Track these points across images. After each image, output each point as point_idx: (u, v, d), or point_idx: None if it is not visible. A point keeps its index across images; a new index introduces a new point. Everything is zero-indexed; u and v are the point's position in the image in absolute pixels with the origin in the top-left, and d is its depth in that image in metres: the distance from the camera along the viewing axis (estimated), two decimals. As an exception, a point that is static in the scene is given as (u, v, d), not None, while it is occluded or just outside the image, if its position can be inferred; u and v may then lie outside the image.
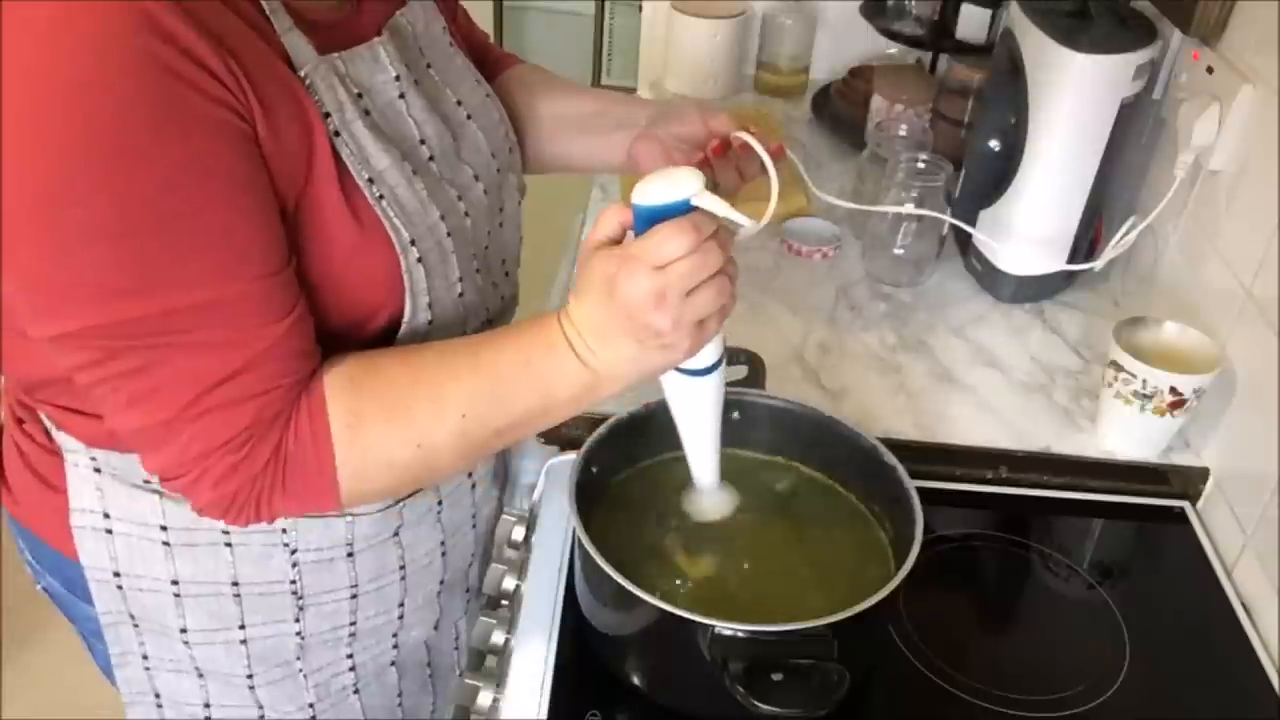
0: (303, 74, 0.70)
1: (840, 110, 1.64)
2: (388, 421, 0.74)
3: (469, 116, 0.86)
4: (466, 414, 0.74)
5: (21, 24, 0.59)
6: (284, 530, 0.83)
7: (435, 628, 0.98)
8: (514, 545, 1.00)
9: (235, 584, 0.85)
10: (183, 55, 0.61)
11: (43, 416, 0.84)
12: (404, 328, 0.77)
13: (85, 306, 0.65)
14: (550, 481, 1.03)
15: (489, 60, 1.03)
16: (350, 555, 0.86)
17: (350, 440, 0.73)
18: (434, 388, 0.74)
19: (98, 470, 0.82)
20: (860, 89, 1.60)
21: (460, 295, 0.81)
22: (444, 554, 0.94)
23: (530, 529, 1.01)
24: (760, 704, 0.71)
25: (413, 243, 0.75)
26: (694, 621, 0.75)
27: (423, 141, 0.79)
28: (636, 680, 0.85)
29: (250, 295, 0.67)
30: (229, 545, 0.83)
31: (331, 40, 0.73)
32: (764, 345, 1.04)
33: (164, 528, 0.82)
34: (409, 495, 0.88)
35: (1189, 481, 1.09)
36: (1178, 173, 1.12)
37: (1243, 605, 0.98)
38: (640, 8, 1.81)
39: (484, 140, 0.87)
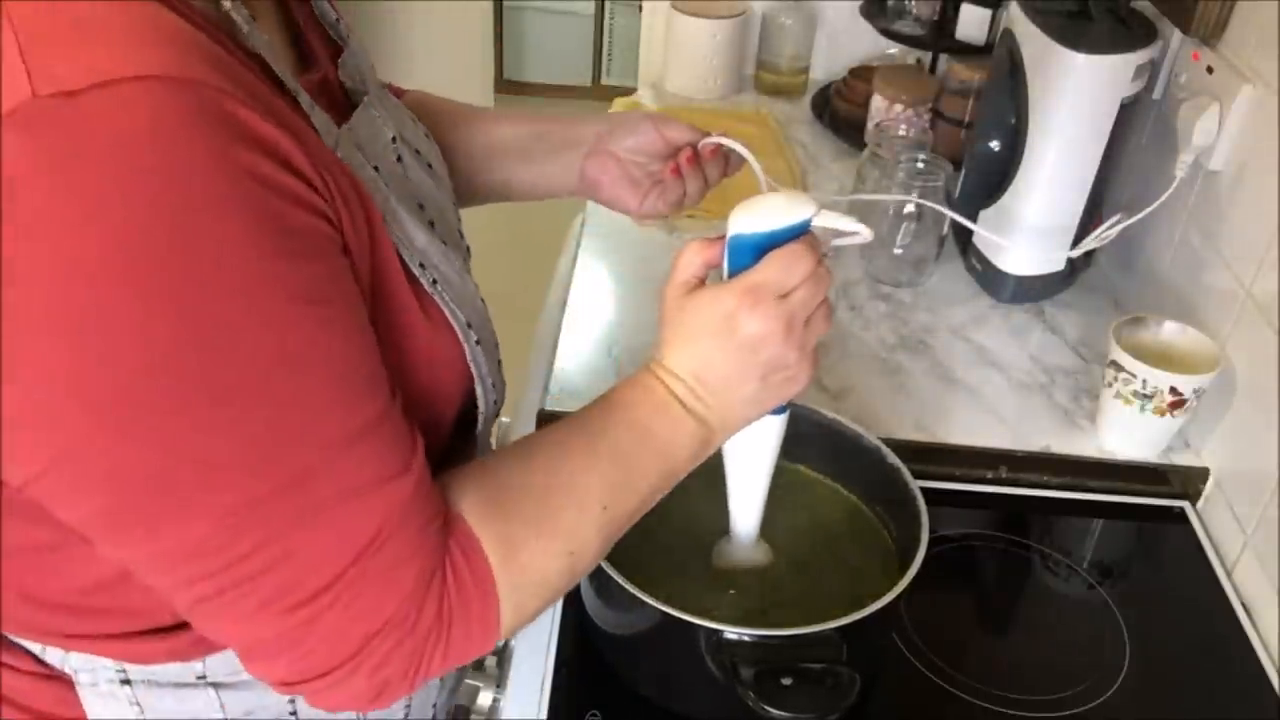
0: (341, 155, 0.61)
1: (840, 110, 1.64)
2: (539, 537, 0.65)
3: (430, 166, 0.78)
4: (608, 505, 0.67)
5: (96, 169, 0.46)
6: None
7: None
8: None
9: None
10: (275, 162, 0.51)
11: (25, 643, 0.69)
12: (480, 421, 0.71)
13: (204, 502, 0.53)
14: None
15: None
16: None
17: (509, 573, 0.64)
18: (570, 488, 0.67)
19: (127, 682, 0.68)
20: (860, 89, 1.60)
21: (499, 362, 0.75)
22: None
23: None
24: (772, 709, 0.71)
25: (469, 325, 0.68)
26: (701, 626, 0.75)
27: (422, 206, 0.71)
28: (638, 684, 0.85)
29: (383, 429, 0.58)
30: None
31: (323, 109, 0.63)
32: (764, 345, 1.04)
33: None
34: None
35: (1189, 481, 1.09)
36: (1178, 173, 1.12)
37: (1243, 605, 0.98)
38: (640, 8, 1.81)
39: (448, 190, 0.81)
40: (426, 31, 3.20)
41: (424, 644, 0.61)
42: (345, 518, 0.56)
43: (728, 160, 0.90)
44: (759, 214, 0.67)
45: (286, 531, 0.55)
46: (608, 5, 3.77)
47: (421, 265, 0.65)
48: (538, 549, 0.65)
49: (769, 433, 0.76)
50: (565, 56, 3.88)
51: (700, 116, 1.64)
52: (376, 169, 0.66)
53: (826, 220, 0.68)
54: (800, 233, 0.67)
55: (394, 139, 0.71)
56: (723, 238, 0.69)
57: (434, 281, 0.66)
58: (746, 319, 0.66)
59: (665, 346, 0.69)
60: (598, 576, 0.79)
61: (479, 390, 0.70)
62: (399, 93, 0.93)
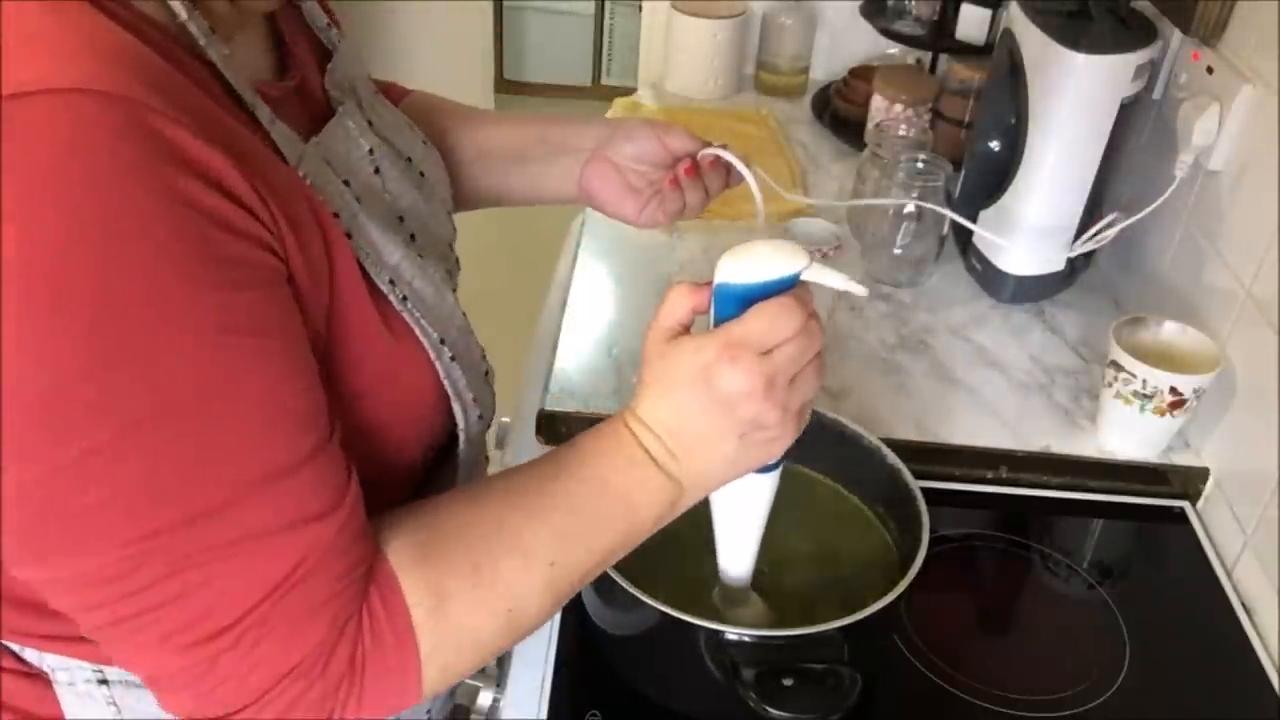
0: (302, 173, 0.59)
1: (840, 110, 1.64)
2: (474, 589, 0.61)
3: (423, 174, 0.76)
4: (555, 561, 0.63)
5: (9, 181, 0.45)
6: None
7: None
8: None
9: None
10: (208, 185, 0.49)
11: (3, 642, 0.67)
12: (461, 440, 0.68)
13: (104, 532, 0.51)
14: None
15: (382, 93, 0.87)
16: None
17: (434, 626, 0.60)
18: (515, 539, 0.62)
19: (104, 682, 0.67)
20: (860, 89, 1.60)
21: (486, 375, 0.72)
22: None
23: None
24: (774, 710, 0.70)
25: (442, 341, 0.66)
26: (703, 627, 0.75)
27: (401, 219, 0.69)
28: (638, 684, 0.85)
29: (309, 470, 0.55)
30: None
31: (292, 120, 0.61)
32: (764, 345, 1.04)
33: None
34: None
35: (1189, 481, 1.09)
36: (1177, 173, 1.12)
37: (1243, 605, 0.98)
38: (640, 8, 1.81)
39: (440, 197, 0.78)
40: (426, 31, 3.20)
41: (335, 692, 0.58)
42: (255, 556, 0.54)
43: (729, 171, 0.87)
44: (746, 263, 0.63)
45: (190, 566, 0.52)
46: (608, 5, 3.77)
47: (392, 282, 0.63)
48: (471, 602, 0.61)
49: (757, 490, 0.72)
50: (565, 56, 3.88)
51: (700, 116, 1.65)
52: (347, 183, 0.64)
53: (817, 275, 0.63)
54: (789, 285, 0.63)
55: (371, 150, 0.68)
56: (710, 283, 0.65)
57: (404, 298, 0.64)
58: (725, 373, 0.61)
59: (642, 394, 0.65)
60: (599, 578, 0.79)
61: (456, 408, 0.68)
62: (401, 94, 0.92)
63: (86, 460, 0.49)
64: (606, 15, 3.80)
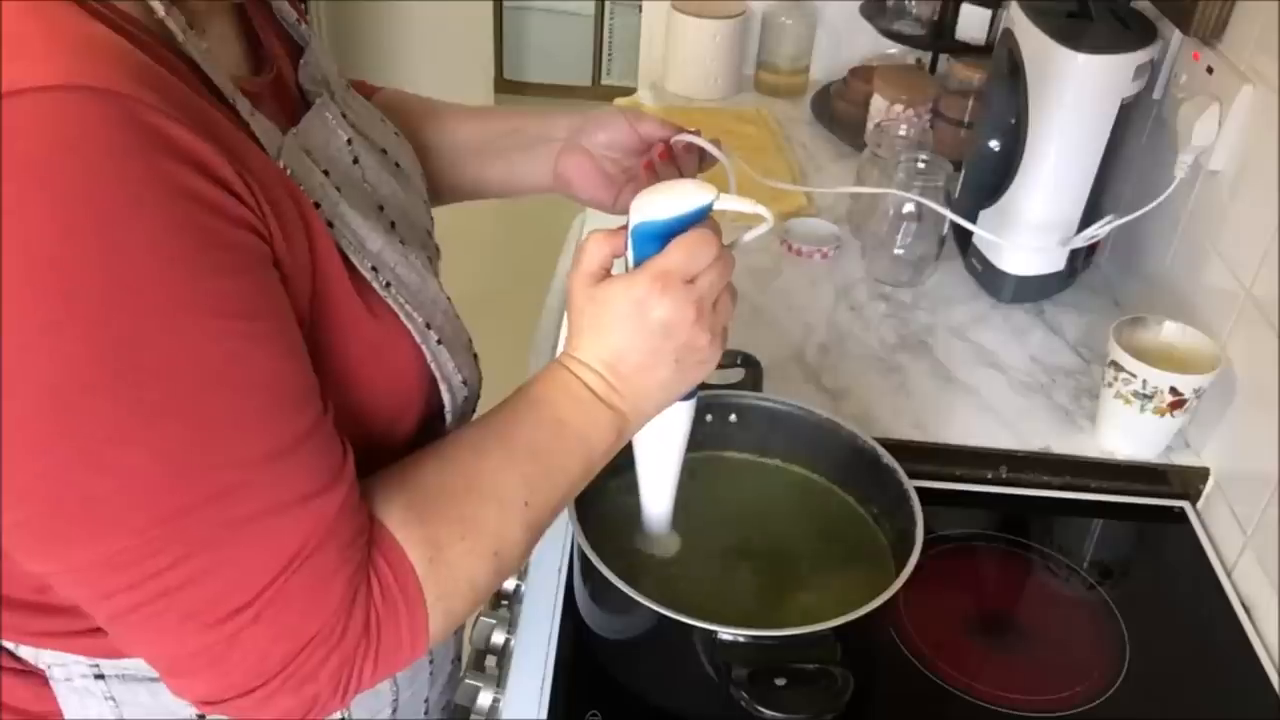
0: (282, 164, 0.60)
1: (840, 110, 1.64)
2: (463, 538, 0.65)
3: (398, 165, 0.78)
4: (529, 502, 0.67)
5: (6, 177, 0.46)
6: None
7: None
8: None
9: None
10: (199, 173, 0.51)
11: None
12: (449, 419, 0.71)
13: (118, 518, 0.52)
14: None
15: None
16: None
17: (435, 577, 0.63)
18: (491, 487, 0.67)
19: (101, 677, 0.68)
20: (860, 89, 1.60)
21: (473, 353, 0.75)
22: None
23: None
24: (765, 710, 0.70)
25: (428, 326, 0.68)
26: (696, 627, 0.75)
27: (381, 208, 0.71)
28: (637, 684, 0.85)
29: (310, 445, 0.57)
30: None
31: (270, 113, 0.63)
32: (764, 346, 1.04)
33: (202, 717, 0.71)
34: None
35: (1189, 481, 1.09)
36: (1178, 173, 1.12)
37: (1243, 605, 0.98)
38: (640, 8, 1.81)
39: (416, 186, 0.80)
40: (426, 31, 3.20)
41: (352, 657, 0.60)
42: (269, 533, 0.56)
43: (702, 156, 0.89)
44: (661, 201, 0.68)
45: (208, 546, 0.54)
46: (608, 5, 3.77)
47: (374, 269, 0.65)
48: (463, 550, 0.64)
49: (678, 419, 0.77)
50: (565, 56, 3.88)
51: (700, 116, 1.65)
52: (327, 173, 0.66)
53: (727, 204, 0.69)
54: (702, 218, 0.68)
55: (349, 140, 0.70)
56: (625, 228, 0.69)
57: (388, 284, 0.66)
58: (658, 304, 0.66)
59: (576, 337, 0.70)
60: (592, 578, 0.79)
61: (444, 390, 0.70)
62: (370, 90, 0.93)
63: (98, 448, 0.50)
64: (606, 15, 3.80)
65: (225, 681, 0.58)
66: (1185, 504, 1.09)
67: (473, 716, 0.90)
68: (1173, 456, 1.10)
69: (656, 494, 0.83)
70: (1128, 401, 1.05)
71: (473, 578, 0.65)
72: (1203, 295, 1.12)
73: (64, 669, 0.68)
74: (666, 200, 0.68)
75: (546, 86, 3.92)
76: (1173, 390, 1.02)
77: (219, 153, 0.52)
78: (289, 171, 0.61)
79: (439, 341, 0.69)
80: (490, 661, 0.95)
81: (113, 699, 0.69)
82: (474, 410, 0.75)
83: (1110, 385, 1.06)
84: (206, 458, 0.53)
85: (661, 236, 0.68)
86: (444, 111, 0.96)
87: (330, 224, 0.62)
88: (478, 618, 0.96)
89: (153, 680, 0.68)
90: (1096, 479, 1.09)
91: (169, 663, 0.58)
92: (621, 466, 0.94)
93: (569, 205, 1.05)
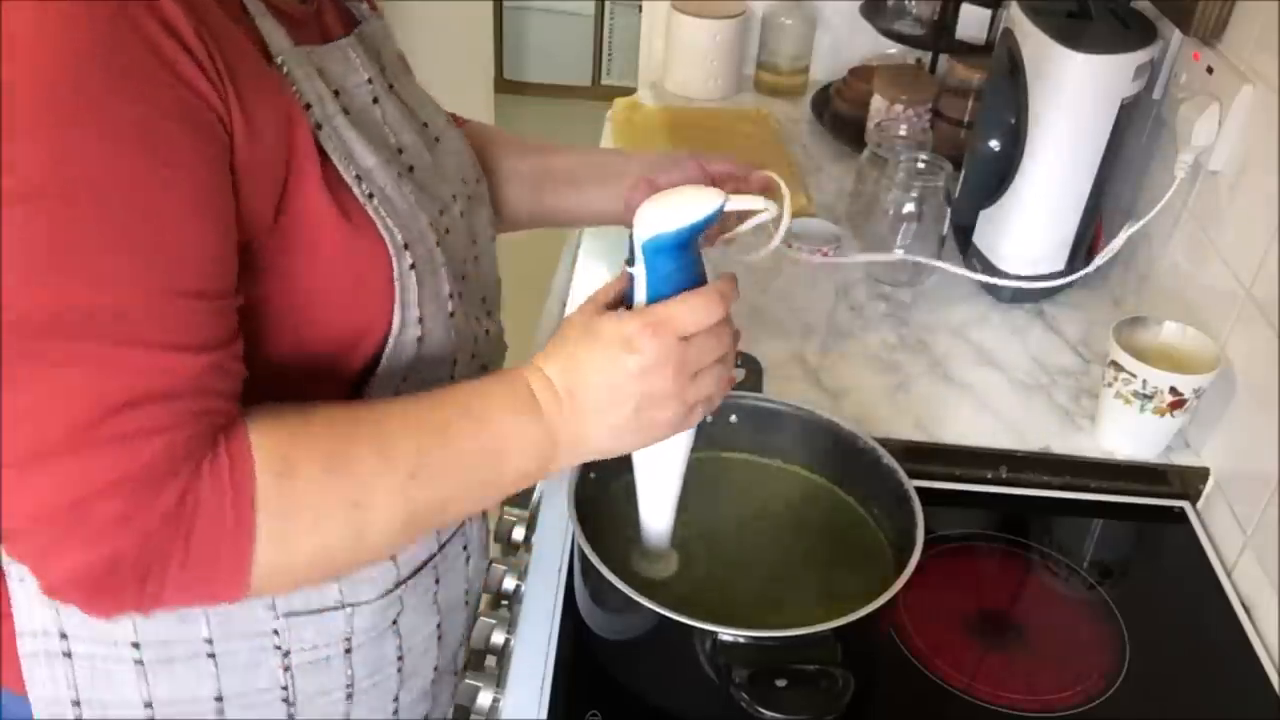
0: (279, 61, 0.63)
1: (840, 110, 1.64)
2: (325, 473, 0.61)
3: (437, 140, 0.81)
4: (415, 475, 0.64)
5: None
6: (275, 632, 0.74)
7: None
8: (514, 545, 1.00)
9: (219, 698, 0.74)
10: (164, 29, 0.54)
11: None
12: (390, 345, 0.69)
13: None
14: (550, 483, 1.03)
15: None
16: (348, 652, 0.78)
17: (278, 492, 0.60)
18: (380, 440, 0.63)
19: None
20: (860, 89, 1.60)
21: (451, 315, 0.74)
22: (440, 638, 0.88)
23: (530, 529, 1.01)
24: (766, 711, 0.70)
25: (406, 247, 0.68)
26: (696, 628, 0.75)
27: (400, 151, 0.73)
28: (637, 685, 0.85)
29: (174, 311, 0.57)
30: (212, 656, 0.73)
31: (299, 36, 0.67)
32: (764, 345, 1.04)
33: (136, 644, 0.71)
34: (410, 575, 0.80)
35: (1189, 481, 1.09)
36: (1178, 173, 1.12)
37: (1243, 605, 0.98)
38: (640, 8, 1.81)
39: (454, 164, 0.82)
40: (426, 31, 3.20)
41: (160, 531, 0.57)
42: (110, 367, 0.55)
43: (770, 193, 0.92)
44: (671, 211, 0.67)
45: (46, 357, 0.54)
46: (608, 5, 3.77)
47: (359, 177, 0.66)
48: (321, 483, 0.61)
49: (679, 439, 0.76)
50: (565, 56, 3.89)
51: (700, 116, 1.65)
52: (337, 93, 0.67)
53: (737, 204, 0.69)
54: (713, 222, 0.67)
55: (369, 80, 0.72)
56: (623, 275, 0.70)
57: (370, 195, 0.67)
58: (644, 344, 0.66)
59: (552, 350, 0.69)
60: (592, 578, 0.80)
61: (397, 310, 0.69)
62: (459, 122, 0.94)
63: None
64: (606, 15, 3.80)
65: (19, 511, 0.56)
66: (1185, 504, 1.09)
67: (473, 716, 0.90)
68: (1173, 456, 1.10)
69: (656, 511, 0.82)
70: (1128, 401, 1.05)
71: (319, 517, 0.62)
72: (1202, 295, 1.12)
73: (20, 568, 0.69)
74: (676, 210, 0.67)
75: (546, 86, 3.92)
76: (1173, 390, 1.02)
77: (192, 23, 0.55)
78: (285, 71, 0.63)
79: (412, 267, 0.69)
80: (490, 661, 0.95)
81: (55, 609, 0.70)
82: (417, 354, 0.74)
83: (1110, 385, 1.06)
84: (69, 257, 0.53)
85: (675, 248, 0.67)
86: (528, 145, 1.02)
87: (320, 126, 0.64)
88: (478, 618, 0.96)
89: None
90: (1096, 479, 1.09)
91: None
92: (623, 469, 0.95)
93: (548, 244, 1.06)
